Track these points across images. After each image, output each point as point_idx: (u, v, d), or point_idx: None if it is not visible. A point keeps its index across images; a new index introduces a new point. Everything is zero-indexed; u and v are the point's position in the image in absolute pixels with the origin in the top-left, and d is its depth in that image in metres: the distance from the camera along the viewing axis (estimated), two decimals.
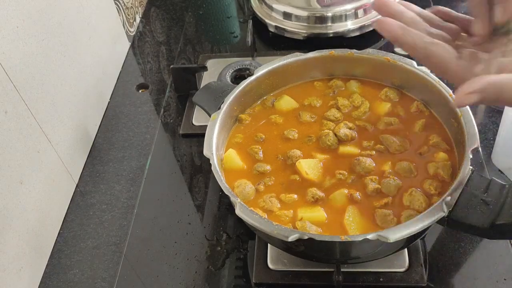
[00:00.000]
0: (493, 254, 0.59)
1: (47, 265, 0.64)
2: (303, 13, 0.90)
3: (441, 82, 0.58)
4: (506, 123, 0.67)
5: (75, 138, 0.75)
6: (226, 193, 0.52)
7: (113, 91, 0.89)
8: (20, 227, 0.60)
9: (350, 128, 0.61)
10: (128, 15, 1.00)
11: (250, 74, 0.65)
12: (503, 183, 0.47)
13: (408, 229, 0.46)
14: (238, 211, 0.50)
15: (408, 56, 0.59)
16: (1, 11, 0.58)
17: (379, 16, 0.44)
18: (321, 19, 0.89)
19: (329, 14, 0.89)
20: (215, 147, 0.57)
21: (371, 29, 0.89)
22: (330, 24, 0.89)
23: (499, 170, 0.68)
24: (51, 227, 0.67)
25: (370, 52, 0.64)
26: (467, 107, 0.53)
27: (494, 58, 0.40)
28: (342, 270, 0.55)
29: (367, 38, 0.89)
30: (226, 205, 0.69)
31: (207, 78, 0.88)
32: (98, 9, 0.86)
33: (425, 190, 0.53)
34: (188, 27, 1.04)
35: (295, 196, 0.55)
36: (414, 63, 0.61)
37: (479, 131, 0.56)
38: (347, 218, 0.52)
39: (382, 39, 0.91)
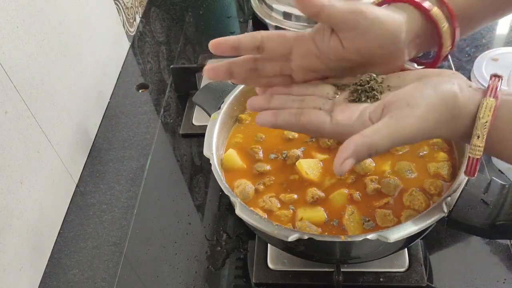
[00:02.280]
0: (493, 254, 0.59)
1: (47, 265, 0.64)
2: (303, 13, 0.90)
3: None
4: None
5: (75, 138, 0.75)
6: (226, 193, 0.52)
7: (113, 91, 0.89)
8: (20, 227, 0.60)
9: None
10: (128, 15, 1.00)
11: None
12: (503, 183, 0.47)
13: (408, 229, 0.46)
14: (238, 211, 0.50)
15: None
16: (1, 11, 0.58)
17: None
18: None
19: None
20: (215, 147, 0.57)
21: None
22: None
23: (499, 170, 0.68)
24: (51, 227, 0.67)
25: None
26: None
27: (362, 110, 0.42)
28: (342, 270, 0.55)
29: None
30: (226, 205, 0.69)
31: (207, 78, 0.88)
32: (98, 9, 0.86)
33: (425, 190, 0.53)
34: (188, 27, 1.04)
35: (295, 196, 0.55)
36: (414, 64, 0.61)
37: None
38: (347, 218, 0.52)
39: None
